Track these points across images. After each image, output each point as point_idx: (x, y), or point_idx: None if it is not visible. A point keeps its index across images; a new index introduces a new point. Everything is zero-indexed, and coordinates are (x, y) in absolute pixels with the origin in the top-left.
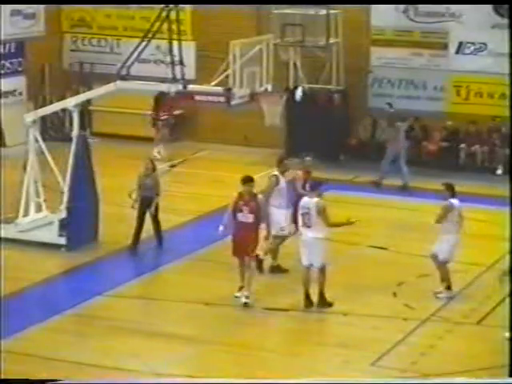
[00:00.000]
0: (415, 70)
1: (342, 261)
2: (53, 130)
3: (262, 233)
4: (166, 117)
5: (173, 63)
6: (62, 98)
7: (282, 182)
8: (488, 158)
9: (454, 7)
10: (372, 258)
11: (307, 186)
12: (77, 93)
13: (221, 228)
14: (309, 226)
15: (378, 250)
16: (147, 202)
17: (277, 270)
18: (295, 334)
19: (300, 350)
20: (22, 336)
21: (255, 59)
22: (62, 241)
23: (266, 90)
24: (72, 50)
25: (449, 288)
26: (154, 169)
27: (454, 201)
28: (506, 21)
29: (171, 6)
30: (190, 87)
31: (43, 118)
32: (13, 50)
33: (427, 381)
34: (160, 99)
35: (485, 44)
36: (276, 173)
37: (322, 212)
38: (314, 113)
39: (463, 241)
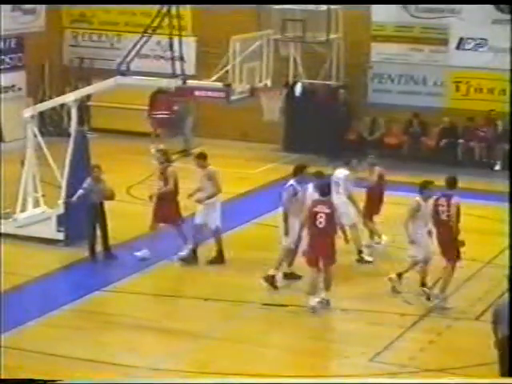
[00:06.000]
0: (415, 65)
1: (340, 256)
2: (51, 125)
3: None
4: (163, 115)
5: (173, 59)
6: (62, 93)
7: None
8: (486, 154)
9: None
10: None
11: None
12: (76, 88)
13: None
14: (338, 192)
15: (376, 246)
16: (96, 207)
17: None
18: (294, 330)
19: (299, 346)
20: (19, 331)
21: (255, 55)
22: (60, 236)
23: (266, 85)
24: (72, 46)
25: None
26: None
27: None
28: (506, 16)
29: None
30: (190, 83)
31: (42, 114)
32: (13, 45)
33: (426, 380)
34: (155, 97)
35: (485, 39)
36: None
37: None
38: (313, 108)
39: (462, 236)
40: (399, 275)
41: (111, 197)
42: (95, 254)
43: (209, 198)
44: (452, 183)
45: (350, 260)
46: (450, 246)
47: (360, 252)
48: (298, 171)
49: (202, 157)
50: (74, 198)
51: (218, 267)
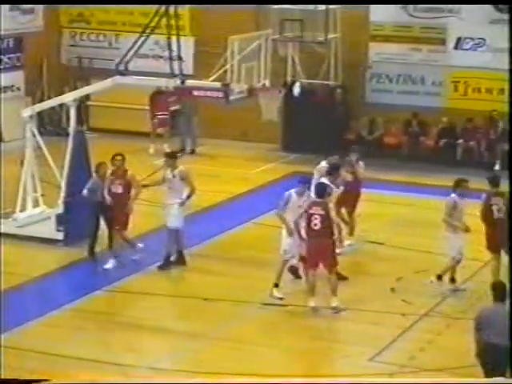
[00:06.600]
0: (414, 65)
1: (340, 256)
2: (50, 124)
3: None
4: (163, 115)
5: (171, 58)
6: (60, 93)
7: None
8: (486, 154)
9: None
10: (370, 253)
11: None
12: (75, 88)
13: None
14: None
15: (376, 245)
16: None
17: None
18: (293, 330)
19: (298, 346)
20: (20, 331)
21: (253, 54)
22: (60, 236)
23: (264, 85)
24: (70, 45)
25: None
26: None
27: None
28: (504, 16)
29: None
30: (189, 82)
31: (41, 113)
32: (11, 45)
33: (426, 380)
34: (155, 97)
35: (483, 39)
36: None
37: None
38: (312, 108)
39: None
40: (452, 280)
41: None
42: (94, 254)
43: (188, 198)
44: (497, 182)
45: (349, 260)
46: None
47: None
48: (334, 171)
49: (172, 156)
50: (84, 193)
51: (218, 267)
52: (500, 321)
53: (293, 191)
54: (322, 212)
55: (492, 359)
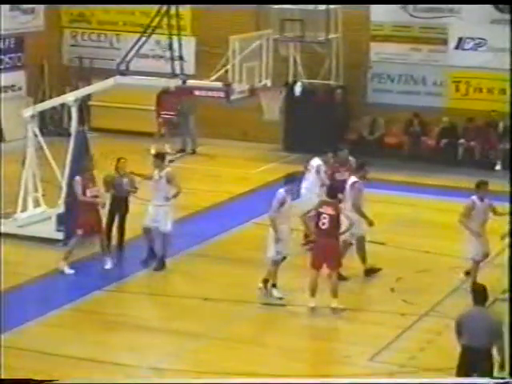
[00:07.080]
0: (414, 65)
1: None
2: (52, 124)
3: None
4: (168, 115)
5: (172, 58)
6: (62, 92)
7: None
8: (487, 153)
9: None
10: (371, 253)
11: None
12: (76, 88)
13: None
14: (307, 179)
15: (376, 245)
16: (119, 202)
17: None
18: (293, 329)
19: (298, 345)
20: (20, 331)
21: (255, 54)
22: (60, 236)
23: (266, 85)
24: (71, 45)
25: None
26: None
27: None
28: (505, 16)
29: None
30: (190, 82)
31: (42, 113)
32: (12, 45)
33: (426, 380)
34: (162, 97)
35: (484, 39)
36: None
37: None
38: (313, 108)
39: (462, 236)
40: (467, 273)
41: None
42: (109, 247)
43: (174, 197)
44: None
45: (349, 260)
46: None
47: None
48: (360, 168)
49: (160, 157)
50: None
51: (218, 267)
52: (479, 324)
53: (283, 191)
54: (333, 212)
55: (471, 363)
